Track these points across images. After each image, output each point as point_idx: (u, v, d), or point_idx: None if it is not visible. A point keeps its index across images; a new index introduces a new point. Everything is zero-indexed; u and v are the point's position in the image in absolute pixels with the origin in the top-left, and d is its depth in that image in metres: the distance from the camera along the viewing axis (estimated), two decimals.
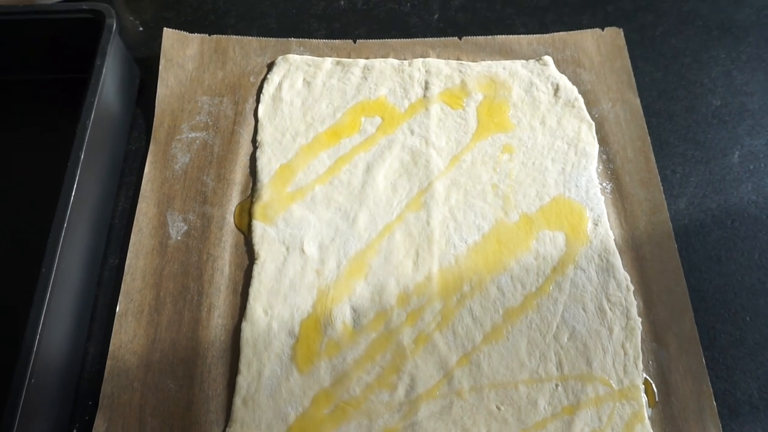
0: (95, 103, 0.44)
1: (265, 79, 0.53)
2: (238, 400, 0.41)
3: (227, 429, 0.40)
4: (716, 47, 0.56)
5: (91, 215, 0.45)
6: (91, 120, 0.43)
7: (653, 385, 0.42)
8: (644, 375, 0.42)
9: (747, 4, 0.58)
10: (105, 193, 0.48)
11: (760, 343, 0.44)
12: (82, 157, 0.42)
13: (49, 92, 0.53)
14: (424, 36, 0.57)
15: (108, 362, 0.42)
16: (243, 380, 0.42)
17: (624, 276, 0.45)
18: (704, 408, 0.41)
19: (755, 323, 0.44)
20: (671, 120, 0.52)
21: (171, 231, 0.47)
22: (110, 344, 0.43)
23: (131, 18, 0.58)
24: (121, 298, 0.44)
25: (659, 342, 0.43)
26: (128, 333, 0.43)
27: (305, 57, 0.54)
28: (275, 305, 0.44)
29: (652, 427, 0.40)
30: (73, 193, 0.41)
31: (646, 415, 0.40)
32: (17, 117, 0.53)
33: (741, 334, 0.44)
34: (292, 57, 0.54)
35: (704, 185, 0.49)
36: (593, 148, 0.50)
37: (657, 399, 0.41)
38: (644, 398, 0.41)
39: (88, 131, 0.43)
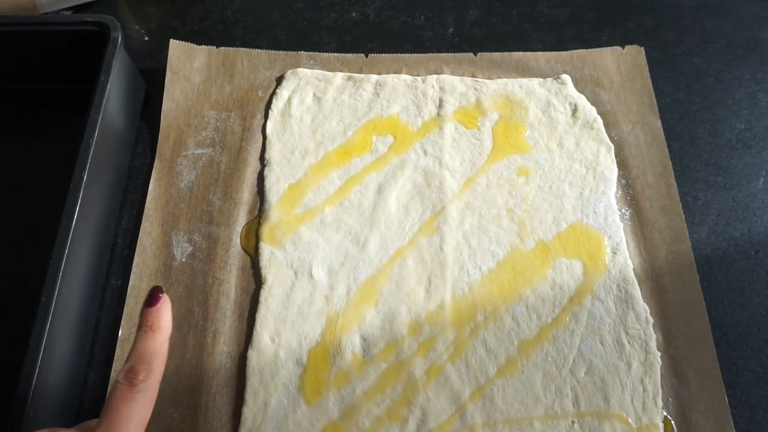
0: (99, 120, 0.42)
1: (273, 93, 0.52)
2: None
3: None
4: (741, 67, 0.54)
5: (94, 235, 0.44)
6: (95, 138, 0.42)
7: (673, 423, 0.40)
8: (664, 412, 0.41)
9: None
10: (108, 211, 0.46)
11: None
12: (85, 177, 0.40)
13: (54, 103, 0.52)
14: (438, 50, 0.55)
15: (109, 389, 0.41)
16: (249, 411, 0.40)
17: (643, 307, 0.43)
18: None
19: None
20: (693, 143, 0.51)
21: (176, 252, 0.46)
22: (112, 370, 0.41)
23: (137, 27, 0.57)
24: (123, 321, 0.43)
25: (679, 378, 0.42)
26: None
27: (315, 71, 0.53)
28: (282, 332, 0.43)
29: None
30: (76, 215, 0.39)
31: None
32: (21, 127, 0.52)
33: (765, 372, 0.42)
34: (302, 71, 0.52)
35: (727, 213, 0.48)
36: (612, 172, 0.48)
37: None
38: None
39: (92, 150, 0.41)
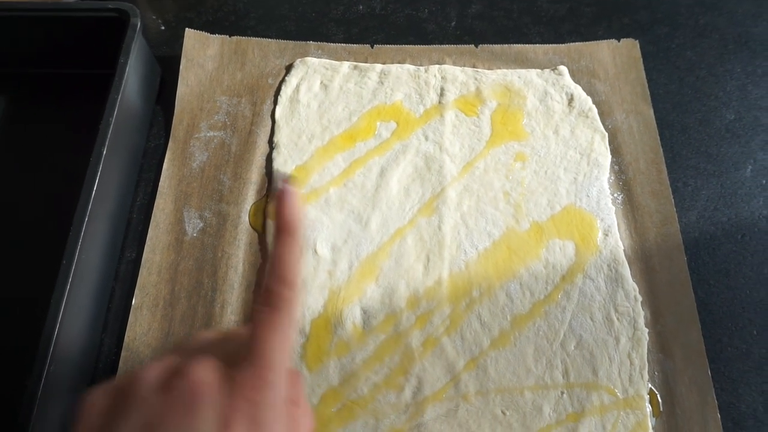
0: (118, 99, 0.45)
1: (283, 81, 0.54)
2: None
3: None
4: (732, 61, 0.56)
5: (111, 209, 0.46)
6: (114, 116, 0.44)
7: (658, 396, 0.42)
8: (649, 385, 0.42)
9: (765, 18, 0.58)
10: (124, 188, 0.49)
11: (767, 357, 0.44)
12: (105, 152, 0.43)
13: (72, 87, 0.54)
14: (441, 43, 0.57)
15: (123, 353, 0.43)
16: None
17: (632, 286, 0.45)
18: (708, 420, 0.41)
19: (762, 337, 0.44)
20: (684, 132, 0.53)
21: (187, 227, 0.48)
22: (125, 336, 0.44)
23: (154, 17, 0.60)
24: (137, 291, 0.45)
25: (665, 353, 0.44)
26: (143, 326, 0.44)
27: (323, 60, 0.55)
28: None
29: None
30: (95, 188, 0.42)
31: (650, 425, 0.41)
32: (40, 110, 0.54)
33: (747, 348, 0.44)
34: (310, 60, 0.55)
35: (716, 199, 0.50)
36: (606, 158, 0.50)
37: (661, 409, 0.42)
38: (649, 408, 0.42)
39: (111, 127, 0.44)
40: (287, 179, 0.29)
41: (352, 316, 0.44)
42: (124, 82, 0.46)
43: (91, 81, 0.52)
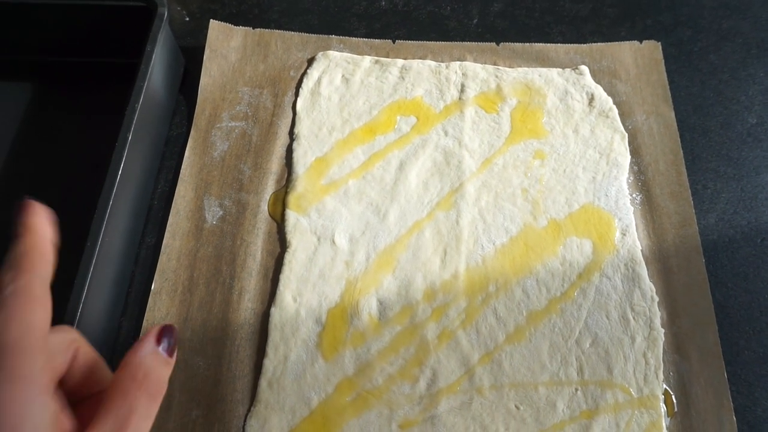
0: (144, 87, 0.46)
1: (304, 73, 0.55)
2: (263, 382, 0.42)
3: (252, 409, 0.42)
4: (755, 65, 0.56)
5: (133, 195, 0.47)
6: (140, 103, 0.45)
7: (673, 396, 0.42)
8: (664, 385, 0.42)
9: None
10: (146, 174, 0.50)
11: None
12: (130, 137, 0.43)
13: (97, 75, 0.55)
14: (463, 40, 0.58)
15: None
16: (269, 363, 0.43)
17: (649, 286, 0.45)
18: (724, 422, 0.41)
19: None
20: (705, 135, 0.52)
21: (207, 215, 0.49)
22: (144, 320, 0.44)
23: (178, 8, 0.60)
24: (156, 276, 0.46)
25: (681, 354, 0.43)
26: (161, 310, 0.45)
27: (345, 54, 0.56)
28: (304, 293, 0.45)
29: None
30: (120, 173, 0.42)
31: (664, 425, 0.41)
32: (66, 98, 0.55)
33: (765, 352, 0.44)
34: (332, 53, 0.55)
35: (735, 202, 0.49)
36: (625, 158, 0.50)
37: (676, 410, 0.42)
38: (663, 408, 0.41)
39: (137, 114, 0.44)
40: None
41: (369, 307, 0.45)
42: (150, 70, 0.46)
43: (116, 70, 0.53)
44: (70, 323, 0.37)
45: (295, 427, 0.41)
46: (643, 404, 0.41)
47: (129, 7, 0.50)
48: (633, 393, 0.42)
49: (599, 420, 0.41)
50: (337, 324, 0.44)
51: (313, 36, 0.57)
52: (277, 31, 0.57)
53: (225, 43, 0.56)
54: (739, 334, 0.44)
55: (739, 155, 0.52)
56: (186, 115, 0.54)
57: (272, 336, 0.44)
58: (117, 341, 0.45)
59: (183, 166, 0.50)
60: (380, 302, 0.45)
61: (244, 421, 0.41)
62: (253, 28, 0.57)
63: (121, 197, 0.44)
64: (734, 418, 0.41)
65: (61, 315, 0.37)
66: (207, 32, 0.56)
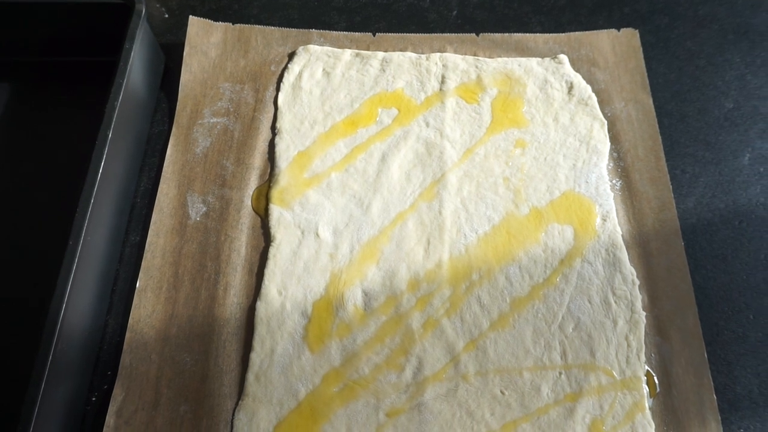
0: (123, 84, 0.45)
1: (285, 68, 0.55)
2: (251, 376, 0.42)
3: (240, 402, 0.42)
4: (731, 51, 0.57)
5: (115, 193, 0.47)
6: (119, 101, 0.45)
7: (654, 377, 0.43)
8: (646, 367, 0.43)
9: (764, 9, 0.59)
10: (128, 173, 0.49)
11: (762, 340, 0.44)
12: (110, 136, 0.43)
13: (77, 74, 0.55)
14: (442, 31, 0.58)
15: (127, 335, 0.44)
16: (256, 357, 0.43)
17: (630, 270, 0.46)
18: (704, 401, 0.42)
19: (758, 321, 0.45)
20: (683, 121, 0.53)
21: (190, 212, 0.49)
22: (130, 318, 0.44)
23: (157, 5, 0.60)
24: (141, 274, 0.46)
25: (662, 336, 0.44)
26: (147, 308, 0.45)
27: (325, 48, 0.56)
28: (289, 286, 0.45)
29: (653, 417, 0.41)
30: (100, 171, 0.42)
31: (647, 405, 0.41)
32: (45, 97, 0.55)
33: (743, 332, 0.45)
34: (313, 48, 0.55)
35: (713, 186, 0.50)
36: (605, 145, 0.51)
37: (658, 390, 0.42)
38: (645, 389, 0.42)
39: (116, 112, 0.44)
40: None
41: (354, 298, 0.45)
42: (129, 67, 0.46)
43: (95, 69, 0.53)
44: (54, 323, 0.37)
45: (283, 419, 0.41)
46: (625, 386, 0.42)
47: (107, 4, 0.50)
48: (616, 375, 0.43)
49: (583, 402, 0.42)
50: (323, 316, 0.45)
51: (294, 30, 0.57)
52: (257, 26, 0.57)
53: (205, 39, 0.56)
54: (718, 314, 0.45)
55: (716, 140, 0.52)
56: (167, 112, 0.54)
57: (258, 330, 0.44)
58: (103, 339, 0.45)
59: (165, 163, 0.50)
60: (365, 293, 0.45)
61: (233, 414, 0.42)
62: (233, 24, 0.57)
63: (103, 195, 0.44)
64: (714, 397, 0.42)
65: (45, 315, 0.38)
66: (186, 29, 0.55)
